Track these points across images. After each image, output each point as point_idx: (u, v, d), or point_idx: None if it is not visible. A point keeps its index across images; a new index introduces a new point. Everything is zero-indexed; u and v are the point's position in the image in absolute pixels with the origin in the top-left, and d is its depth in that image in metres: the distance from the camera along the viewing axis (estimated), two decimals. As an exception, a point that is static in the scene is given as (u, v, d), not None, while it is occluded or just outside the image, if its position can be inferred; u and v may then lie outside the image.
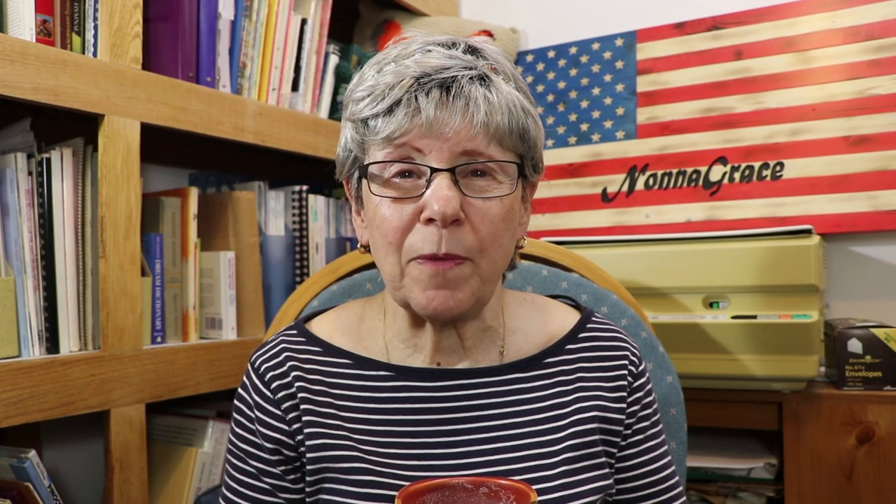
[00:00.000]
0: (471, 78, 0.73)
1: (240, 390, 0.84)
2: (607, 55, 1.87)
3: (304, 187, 1.60)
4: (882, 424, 1.29)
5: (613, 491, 0.80)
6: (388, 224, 0.74)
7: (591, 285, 1.11)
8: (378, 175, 0.75)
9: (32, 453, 1.07)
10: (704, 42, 1.76)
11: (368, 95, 0.75)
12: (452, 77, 0.72)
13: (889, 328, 1.33)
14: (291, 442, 0.79)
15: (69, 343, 1.15)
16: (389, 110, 0.73)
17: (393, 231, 0.74)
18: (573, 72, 1.92)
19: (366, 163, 0.76)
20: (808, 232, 1.32)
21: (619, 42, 1.86)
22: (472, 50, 0.77)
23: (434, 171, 0.72)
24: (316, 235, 1.62)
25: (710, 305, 1.39)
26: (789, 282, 1.32)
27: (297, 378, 0.80)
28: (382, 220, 0.74)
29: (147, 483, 1.22)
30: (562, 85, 1.93)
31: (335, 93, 1.68)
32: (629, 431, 0.83)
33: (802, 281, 1.31)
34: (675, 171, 1.78)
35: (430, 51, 0.75)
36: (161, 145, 1.36)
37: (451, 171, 0.72)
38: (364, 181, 0.77)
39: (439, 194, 0.71)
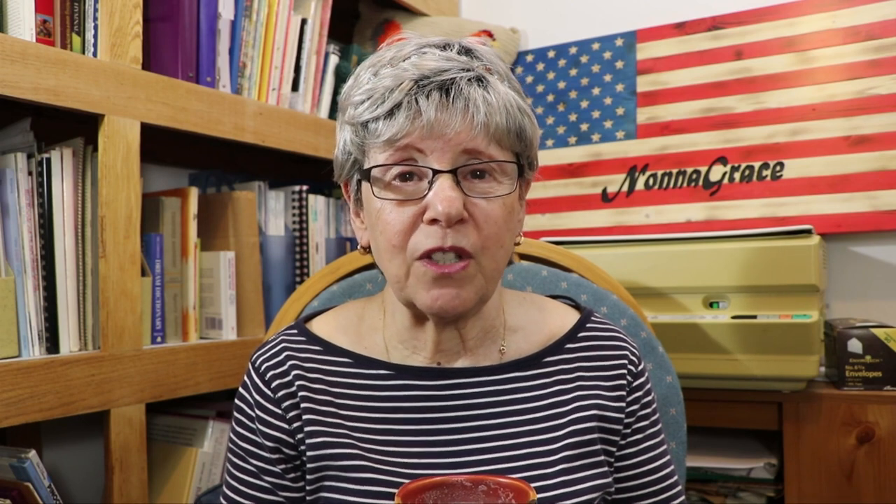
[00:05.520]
0: (469, 80, 0.73)
1: (240, 389, 0.84)
2: (607, 55, 1.87)
3: (304, 187, 1.60)
4: (882, 424, 1.29)
5: (612, 490, 0.81)
6: (392, 228, 0.74)
7: (590, 285, 1.11)
8: (380, 178, 0.76)
9: (32, 453, 1.07)
10: (704, 42, 1.76)
11: (367, 99, 0.75)
12: (451, 79, 0.73)
13: (889, 328, 1.33)
14: (292, 441, 0.79)
15: (69, 343, 1.15)
16: (390, 113, 0.73)
17: (396, 234, 0.74)
18: (573, 72, 1.92)
19: (367, 166, 0.77)
20: (808, 232, 1.32)
21: (619, 42, 1.86)
22: (466, 51, 0.78)
23: (436, 172, 0.72)
24: (316, 235, 1.62)
25: (710, 305, 1.39)
26: (789, 282, 1.32)
27: (297, 377, 0.81)
28: (385, 224, 0.75)
29: (147, 483, 1.22)
30: (562, 85, 1.93)
31: (335, 93, 1.68)
32: (628, 431, 0.83)
33: (802, 281, 1.31)
34: (675, 171, 1.78)
35: (425, 53, 0.75)
36: (161, 145, 1.37)
37: (453, 172, 0.73)
38: (364, 184, 0.78)
39: (442, 195, 0.71)
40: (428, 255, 0.73)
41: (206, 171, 1.67)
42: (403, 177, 0.75)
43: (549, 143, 1.93)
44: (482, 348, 0.83)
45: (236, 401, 0.84)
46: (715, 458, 1.46)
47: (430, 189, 0.73)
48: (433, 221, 0.72)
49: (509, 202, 0.76)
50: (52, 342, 1.14)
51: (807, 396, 1.35)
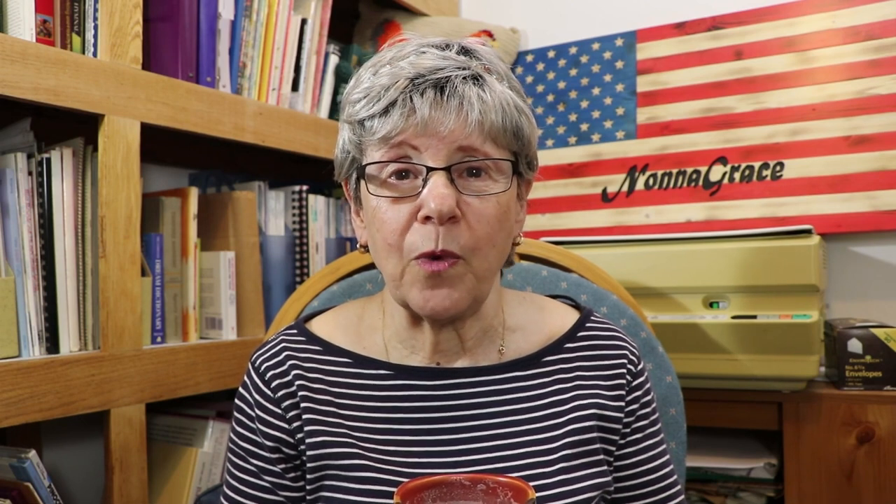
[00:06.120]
0: (464, 78, 0.74)
1: (240, 389, 0.84)
2: (607, 55, 1.87)
3: (304, 187, 1.60)
4: (882, 424, 1.29)
5: (612, 489, 0.81)
6: (387, 226, 0.74)
7: (590, 285, 1.11)
8: (375, 175, 0.76)
9: (32, 453, 1.07)
10: (704, 42, 1.76)
11: (364, 97, 0.75)
12: (446, 77, 0.73)
13: (889, 328, 1.33)
14: (291, 440, 0.79)
15: (69, 343, 1.15)
16: (385, 111, 0.73)
17: (391, 233, 0.74)
18: (573, 72, 1.92)
19: (363, 163, 0.77)
20: (808, 232, 1.32)
21: (619, 42, 1.86)
22: (465, 51, 0.78)
23: (430, 170, 0.73)
24: (316, 235, 1.62)
25: (710, 305, 1.39)
26: (789, 282, 1.32)
27: (297, 377, 0.81)
28: (381, 222, 0.75)
29: (147, 483, 1.22)
30: (562, 85, 1.93)
31: (335, 93, 1.68)
32: (628, 430, 0.83)
33: (802, 281, 1.31)
34: (675, 171, 1.78)
35: (424, 52, 0.75)
36: (161, 145, 1.37)
37: (447, 169, 0.73)
38: (362, 182, 0.78)
39: (435, 192, 0.71)
40: (422, 257, 0.73)
41: (206, 171, 1.67)
42: (399, 174, 0.75)
43: (549, 143, 1.93)
44: (481, 348, 0.84)
45: (236, 401, 0.84)
46: (715, 458, 1.46)
47: (424, 186, 0.73)
48: (426, 219, 0.72)
49: (504, 200, 0.76)
50: (52, 342, 1.14)
51: (807, 396, 1.35)
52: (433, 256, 0.73)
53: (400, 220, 0.74)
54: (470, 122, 0.73)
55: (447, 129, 0.72)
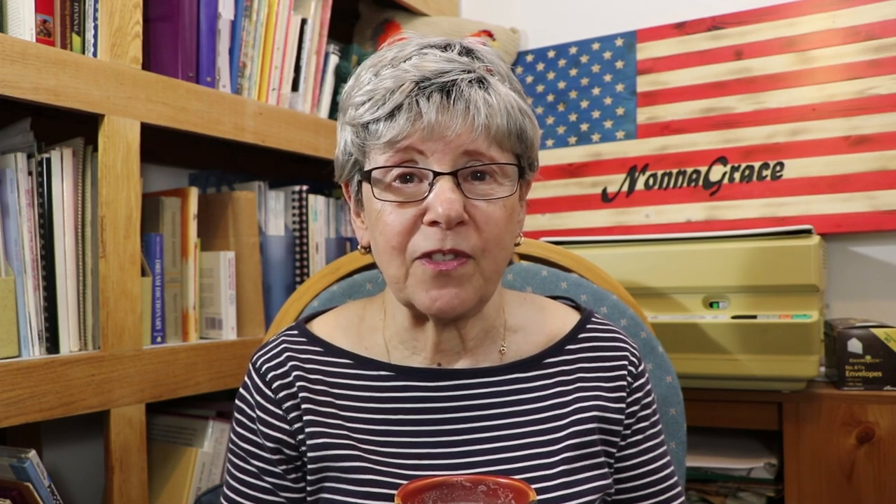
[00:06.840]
0: (469, 81, 0.73)
1: (241, 390, 0.84)
2: (607, 55, 1.87)
3: (304, 187, 1.60)
4: (882, 424, 1.29)
5: (612, 491, 0.81)
6: (391, 229, 0.74)
7: (590, 286, 1.11)
8: (380, 179, 0.76)
9: (32, 453, 1.07)
10: (704, 42, 1.76)
11: (368, 100, 0.75)
12: (452, 81, 0.73)
13: (889, 328, 1.33)
14: (292, 441, 0.79)
15: (69, 343, 1.15)
16: (391, 115, 0.73)
17: (396, 235, 0.74)
18: (573, 72, 1.92)
19: (367, 168, 0.77)
20: (808, 232, 1.32)
21: (619, 42, 1.86)
22: (467, 51, 0.77)
23: (437, 174, 0.72)
24: (316, 235, 1.62)
25: (710, 305, 1.39)
26: (789, 282, 1.32)
27: (298, 378, 0.81)
28: (385, 225, 0.75)
29: (147, 483, 1.22)
30: (562, 85, 1.93)
31: (335, 93, 1.68)
32: (628, 432, 0.83)
33: (802, 281, 1.31)
34: (675, 171, 1.78)
35: (426, 54, 0.75)
36: (161, 145, 1.36)
37: (454, 174, 0.73)
38: (365, 185, 0.78)
39: (443, 197, 0.71)
40: (427, 256, 0.73)
41: (206, 171, 1.67)
42: (404, 178, 0.75)
43: (549, 143, 1.93)
44: (482, 349, 0.83)
45: (237, 401, 0.84)
46: (715, 458, 1.46)
47: (430, 191, 0.73)
48: (433, 223, 0.72)
49: (510, 204, 0.76)
50: (52, 342, 1.14)
51: (807, 396, 1.35)
52: (441, 254, 0.72)
53: (404, 222, 0.74)
54: (476, 126, 0.72)
55: (454, 134, 0.72)
